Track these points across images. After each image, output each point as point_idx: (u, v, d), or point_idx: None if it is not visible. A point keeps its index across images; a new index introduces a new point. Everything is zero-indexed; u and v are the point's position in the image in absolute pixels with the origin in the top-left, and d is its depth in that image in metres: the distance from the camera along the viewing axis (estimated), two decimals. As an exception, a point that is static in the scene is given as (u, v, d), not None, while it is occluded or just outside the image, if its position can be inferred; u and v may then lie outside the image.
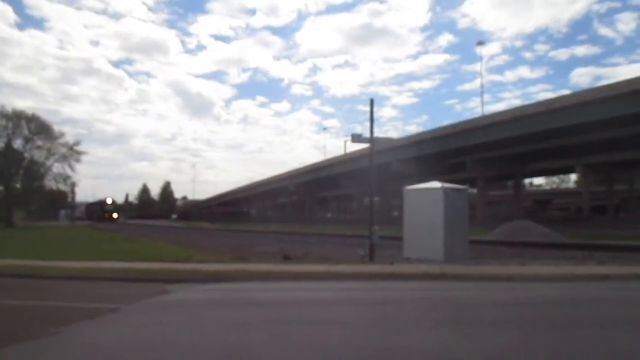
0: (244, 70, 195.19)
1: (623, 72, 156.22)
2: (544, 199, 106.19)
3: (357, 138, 17.60)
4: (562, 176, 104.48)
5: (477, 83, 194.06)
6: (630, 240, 24.42)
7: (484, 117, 50.61)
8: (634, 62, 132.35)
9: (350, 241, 25.73)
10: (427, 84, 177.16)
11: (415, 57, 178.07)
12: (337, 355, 5.39)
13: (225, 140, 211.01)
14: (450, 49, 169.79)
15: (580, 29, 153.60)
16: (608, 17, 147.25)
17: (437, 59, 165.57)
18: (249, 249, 21.81)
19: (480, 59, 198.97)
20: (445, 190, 16.33)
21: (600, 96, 37.16)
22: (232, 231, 46.23)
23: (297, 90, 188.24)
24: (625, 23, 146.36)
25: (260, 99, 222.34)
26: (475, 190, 61.40)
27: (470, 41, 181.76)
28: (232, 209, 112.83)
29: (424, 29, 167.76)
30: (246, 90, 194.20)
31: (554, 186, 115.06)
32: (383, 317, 7.64)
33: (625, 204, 76.40)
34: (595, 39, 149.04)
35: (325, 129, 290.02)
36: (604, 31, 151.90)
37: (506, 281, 11.75)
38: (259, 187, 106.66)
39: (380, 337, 6.15)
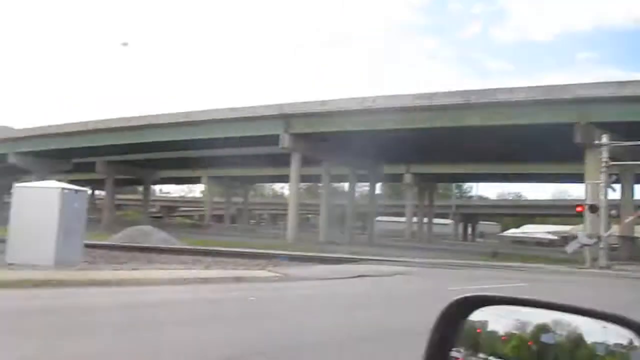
0: None
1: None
2: (171, 205, 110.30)
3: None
4: (190, 185, 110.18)
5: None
6: (239, 247, 27.76)
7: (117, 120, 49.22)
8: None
9: None
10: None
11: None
12: None
13: None
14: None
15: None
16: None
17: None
18: None
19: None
20: (62, 190, 15.40)
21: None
22: None
23: None
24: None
25: None
26: (104, 193, 59.62)
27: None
28: None
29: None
30: None
31: (182, 194, 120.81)
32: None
33: (239, 214, 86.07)
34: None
35: None
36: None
37: (116, 286, 11.99)
38: None
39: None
